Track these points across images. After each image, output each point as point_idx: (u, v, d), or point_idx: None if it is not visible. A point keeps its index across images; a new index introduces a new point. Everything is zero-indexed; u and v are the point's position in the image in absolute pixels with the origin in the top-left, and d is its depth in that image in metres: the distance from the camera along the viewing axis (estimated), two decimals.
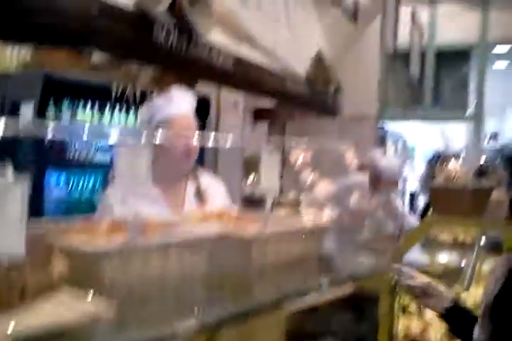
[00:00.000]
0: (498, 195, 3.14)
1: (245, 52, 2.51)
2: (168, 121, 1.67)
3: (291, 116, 5.35)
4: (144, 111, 1.79)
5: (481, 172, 2.47)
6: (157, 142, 1.66)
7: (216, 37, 2.20)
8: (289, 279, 0.99)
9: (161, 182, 1.64)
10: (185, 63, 1.98)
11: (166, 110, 1.69)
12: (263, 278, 0.96)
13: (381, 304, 1.05)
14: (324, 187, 4.57)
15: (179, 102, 1.71)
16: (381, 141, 6.94)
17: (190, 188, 1.75)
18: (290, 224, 1.01)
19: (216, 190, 1.81)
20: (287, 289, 0.89)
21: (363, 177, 4.26)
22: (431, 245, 3.17)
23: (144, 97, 3.23)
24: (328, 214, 4.60)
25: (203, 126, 4.17)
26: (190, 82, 3.64)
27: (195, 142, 1.69)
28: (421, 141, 8.31)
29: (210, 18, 2.05)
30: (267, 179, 0.93)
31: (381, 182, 4.09)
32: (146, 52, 1.86)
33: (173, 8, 1.86)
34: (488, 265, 3.28)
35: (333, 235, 4.41)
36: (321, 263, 1.14)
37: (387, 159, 4.10)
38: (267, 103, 4.30)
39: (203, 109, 4.04)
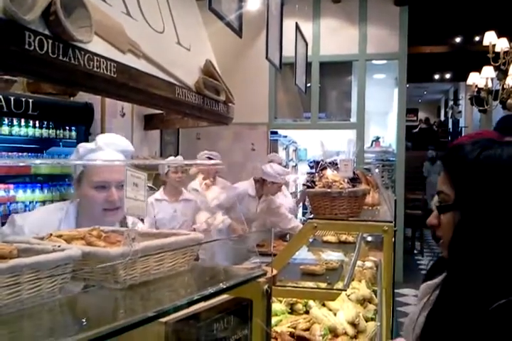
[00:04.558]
0: (374, 197, 3.41)
1: (130, 61, 2.48)
2: (95, 172, 1.63)
3: (185, 122, 5.34)
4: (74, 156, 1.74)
5: (356, 178, 2.67)
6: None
7: (97, 46, 2.16)
8: (159, 295, 1.00)
9: None
10: (61, 71, 1.92)
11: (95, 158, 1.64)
12: (133, 295, 0.97)
13: (256, 307, 1.10)
14: (215, 195, 4.64)
15: (110, 151, 1.67)
16: (274, 144, 7.23)
17: None
18: (158, 239, 1.03)
19: None
20: (157, 306, 0.89)
21: (248, 184, 4.42)
22: (319, 245, 3.36)
23: (19, 105, 3.05)
24: (220, 219, 4.67)
25: (87, 131, 4.05)
26: (68, 90, 3.51)
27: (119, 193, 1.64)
28: (312, 144, 8.72)
29: (89, 27, 2.00)
30: (131, 198, 0.94)
31: (266, 186, 4.27)
32: (17, 59, 1.77)
33: (48, 17, 1.80)
34: (370, 262, 3.56)
35: (218, 246, 4.46)
36: (195, 276, 1.17)
37: (270, 165, 4.28)
38: (158, 109, 4.26)
39: (86, 115, 3.91)
